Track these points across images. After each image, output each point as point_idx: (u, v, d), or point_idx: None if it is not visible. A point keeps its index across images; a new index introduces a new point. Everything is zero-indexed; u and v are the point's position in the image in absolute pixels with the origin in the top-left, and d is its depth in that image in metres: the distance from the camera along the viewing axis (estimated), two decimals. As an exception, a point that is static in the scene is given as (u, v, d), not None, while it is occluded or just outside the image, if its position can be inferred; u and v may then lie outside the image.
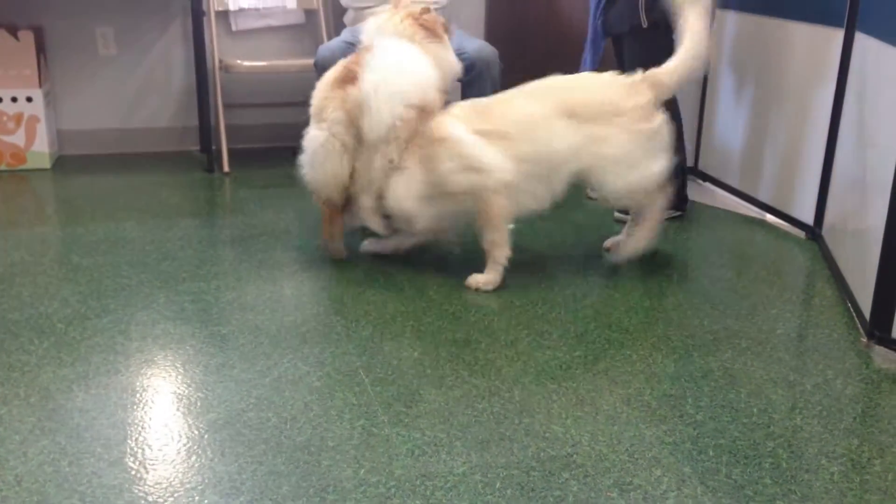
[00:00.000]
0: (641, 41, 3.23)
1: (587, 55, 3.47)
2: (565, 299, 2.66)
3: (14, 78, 3.96)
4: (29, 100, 3.99)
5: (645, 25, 3.16)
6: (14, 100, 3.97)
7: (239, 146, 4.40)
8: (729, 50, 3.69)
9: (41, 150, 4.06)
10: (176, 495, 1.66)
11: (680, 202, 3.42)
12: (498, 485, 1.71)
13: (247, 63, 4.21)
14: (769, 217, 3.52)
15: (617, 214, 3.45)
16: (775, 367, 2.25)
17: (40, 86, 4.00)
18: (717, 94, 3.85)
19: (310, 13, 4.50)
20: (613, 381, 2.16)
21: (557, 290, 2.74)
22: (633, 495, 1.69)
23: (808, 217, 3.27)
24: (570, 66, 4.20)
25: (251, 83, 4.49)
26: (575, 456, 1.82)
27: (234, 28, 4.47)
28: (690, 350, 2.34)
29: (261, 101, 4.54)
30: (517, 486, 1.71)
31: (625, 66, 3.16)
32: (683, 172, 3.48)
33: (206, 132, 4.30)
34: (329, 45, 3.94)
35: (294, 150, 2.96)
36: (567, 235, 3.26)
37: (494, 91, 3.90)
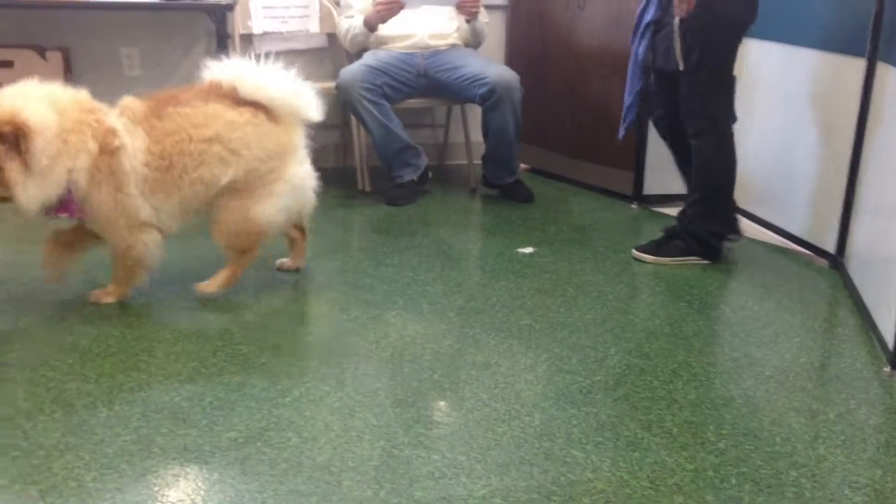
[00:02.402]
0: (686, 80, 3.07)
1: (628, 86, 3.35)
2: (585, 324, 2.65)
3: (41, 97, 4.01)
4: (55, 119, 4.03)
5: (681, 68, 3.03)
6: (40, 118, 4.02)
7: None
8: (751, 78, 3.70)
9: (66, 168, 4.11)
10: (197, 513, 1.66)
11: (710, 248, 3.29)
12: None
13: (270, 85, 4.25)
14: (791, 245, 3.51)
15: (634, 252, 3.44)
16: (798, 395, 2.24)
17: (67, 105, 4.05)
18: (739, 123, 3.86)
19: (332, 37, 4.54)
20: (634, 406, 2.15)
21: (577, 314, 2.73)
22: (654, 522, 1.68)
23: (830, 245, 3.26)
24: (595, 92, 4.23)
25: (274, 105, 4.53)
26: (595, 481, 1.81)
27: (256, 50, 4.52)
28: (712, 377, 2.33)
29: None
30: (538, 511, 1.70)
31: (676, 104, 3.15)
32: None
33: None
34: (351, 69, 3.98)
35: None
36: (587, 261, 3.26)
37: (515, 116, 3.94)
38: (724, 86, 3.08)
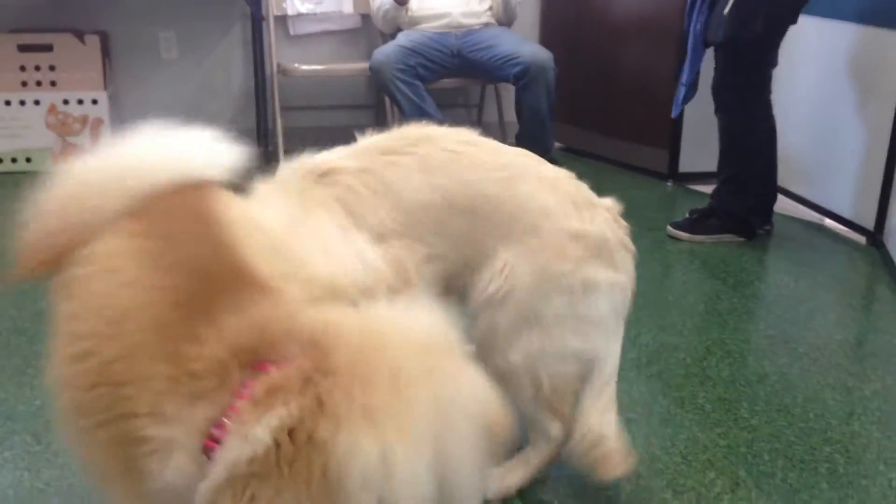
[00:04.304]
0: (728, 56, 3.04)
1: (688, 63, 3.25)
2: (619, 302, 2.65)
3: (80, 81, 4.08)
4: (94, 102, 4.10)
5: (720, 40, 2.98)
6: (80, 102, 4.09)
7: (295, 148, 4.47)
8: (790, 53, 3.65)
9: (105, 151, 4.18)
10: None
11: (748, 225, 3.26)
12: (550, 484, 1.72)
13: (304, 67, 4.28)
14: (828, 222, 3.47)
15: (669, 229, 3.42)
16: (833, 372, 2.22)
17: (105, 88, 4.12)
18: (775, 98, 3.81)
19: (366, 17, 4.55)
20: (667, 383, 2.15)
21: (611, 292, 2.73)
22: (686, 497, 1.69)
23: (869, 222, 3.22)
24: (629, 69, 4.20)
25: (308, 86, 4.57)
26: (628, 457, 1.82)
27: (291, 32, 4.55)
28: (745, 354, 2.32)
29: (317, 104, 4.61)
30: (570, 486, 1.72)
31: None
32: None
33: (263, 134, 4.39)
34: (384, 49, 3.99)
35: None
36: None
37: (549, 95, 3.93)
38: (764, 65, 3.03)
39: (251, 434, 0.94)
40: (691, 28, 3.17)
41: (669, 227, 3.29)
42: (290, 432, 0.94)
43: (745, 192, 3.19)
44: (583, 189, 1.61)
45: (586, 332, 1.52)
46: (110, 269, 1.06)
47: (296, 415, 0.95)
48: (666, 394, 2.10)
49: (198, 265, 1.06)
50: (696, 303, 2.67)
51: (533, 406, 1.57)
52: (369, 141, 1.69)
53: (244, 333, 1.01)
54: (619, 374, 2.17)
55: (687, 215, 3.42)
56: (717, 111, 3.14)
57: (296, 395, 0.96)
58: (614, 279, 1.51)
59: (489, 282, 1.49)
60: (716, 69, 3.09)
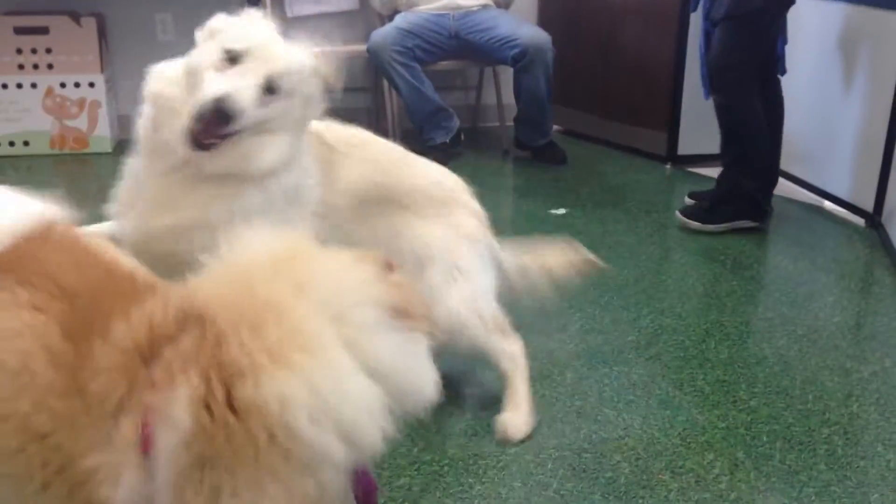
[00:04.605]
0: (731, 32, 2.96)
1: (702, 40, 3.21)
2: (618, 285, 2.65)
3: (77, 64, 4.06)
4: (91, 85, 4.08)
5: (721, 16, 2.94)
6: (77, 85, 4.07)
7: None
8: (790, 34, 3.64)
9: (103, 134, 4.16)
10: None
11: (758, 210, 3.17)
12: (549, 465, 1.73)
13: (302, 49, 4.26)
14: (827, 204, 3.47)
15: (688, 200, 3.41)
16: (831, 354, 2.23)
17: (102, 71, 4.10)
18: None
19: (364, -1, 4.53)
20: (666, 366, 2.16)
21: (610, 275, 2.73)
22: (685, 478, 1.70)
23: (868, 204, 3.21)
24: (628, 51, 4.18)
25: (306, 69, 4.54)
26: (627, 439, 1.83)
27: (289, 14, 4.52)
28: (744, 336, 2.32)
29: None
30: (568, 467, 1.73)
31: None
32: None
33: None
34: (382, 31, 3.98)
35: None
36: (619, 222, 3.25)
37: (547, 77, 3.91)
38: (767, 37, 2.96)
39: (170, 417, 0.97)
40: (702, 10, 3.13)
41: (679, 216, 3.15)
42: (207, 406, 0.96)
43: (754, 169, 3.10)
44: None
45: (486, 269, 1.92)
46: (3, 325, 1.02)
47: (198, 381, 0.97)
48: (665, 376, 2.10)
49: (72, 291, 1.05)
50: (695, 285, 2.68)
51: (488, 338, 1.88)
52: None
53: (134, 332, 1.02)
54: (617, 357, 2.18)
55: (687, 198, 3.42)
56: (716, 91, 3.07)
57: (192, 364, 0.99)
58: (482, 230, 1.94)
59: (411, 250, 1.83)
60: (717, 47, 3.02)
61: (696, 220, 3.12)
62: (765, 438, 1.84)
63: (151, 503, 0.98)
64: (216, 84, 1.59)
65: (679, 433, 1.86)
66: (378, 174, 1.85)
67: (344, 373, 1.01)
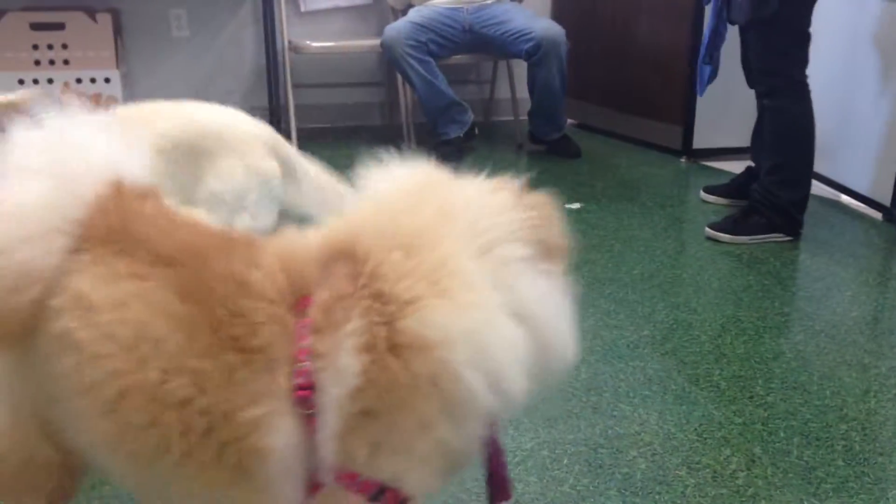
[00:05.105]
0: (764, 36, 2.85)
1: (705, 40, 3.13)
2: (633, 279, 2.65)
3: (93, 59, 4.08)
4: (107, 80, 4.10)
5: (742, 22, 2.86)
6: (93, 81, 4.09)
7: (307, 125, 4.46)
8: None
9: (118, 129, 4.18)
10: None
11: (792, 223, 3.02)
12: (565, 461, 1.73)
13: (315, 44, 4.26)
14: (844, 198, 3.45)
15: (703, 195, 3.40)
16: (849, 349, 2.21)
17: (117, 67, 4.11)
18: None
19: (377, -7, 4.53)
20: (682, 361, 2.15)
21: (625, 269, 2.72)
22: (701, 474, 1.69)
23: (885, 198, 3.19)
24: (642, 44, 4.16)
25: (319, 63, 4.55)
26: (643, 434, 1.82)
27: (302, 9, 4.53)
28: (761, 332, 2.31)
29: (329, 80, 4.59)
30: (584, 463, 1.72)
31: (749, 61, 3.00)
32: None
33: (275, 112, 4.38)
34: (395, 26, 3.97)
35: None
36: (634, 216, 3.24)
37: (561, 71, 3.90)
38: (800, 39, 2.84)
39: (336, 365, 0.92)
40: (712, 7, 3.05)
41: (708, 230, 3.01)
42: (372, 349, 0.92)
43: (799, 182, 2.96)
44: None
45: (270, 209, 2.01)
46: (107, 299, 0.96)
47: (361, 322, 0.93)
48: (681, 371, 2.09)
49: (169, 255, 0.99)
50: (711, 280, 2.67)
51: None
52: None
53: (274, 282, 0.97)
54: (632, 352, 2.18)
55: (702, 192, 3.40)
56: (763, 95, 2.96)
57: (350, 303, 0.94)
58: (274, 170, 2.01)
59: (207, 193, 1.94)
60: (754, 52, 2.92)
61: (726, 233, 2.97)
62: (782, 434, 1.83)
63: (311, 456, 0.95)
64: None
65: (695, 428, 1.85)
66: (175, 129, 1.94)
67: (496, 313, 0.95)
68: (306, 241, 1.03)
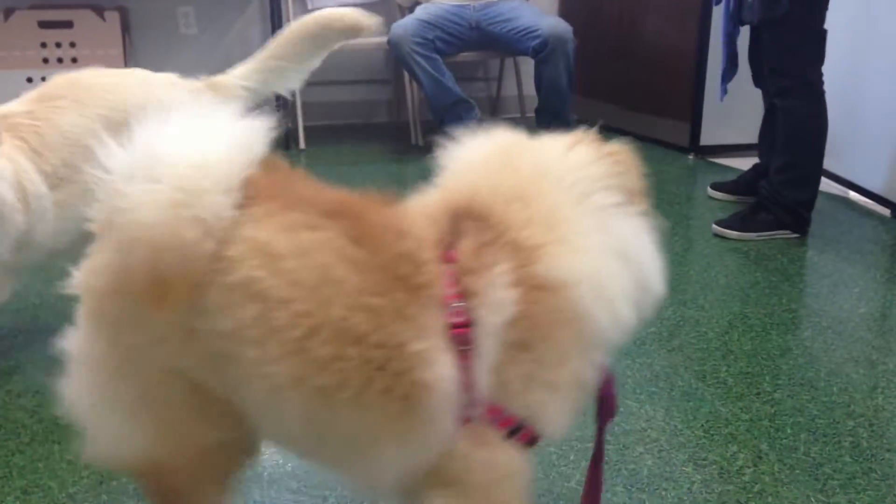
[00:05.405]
0: (773, 35, 2.84)
1: (723, 38, 3.11)
2: (640, 276, 2.64)
3: (101, 58, 4.09)
4: (114, 79, 4.11)
5: (754, 22, 2.84)
6: (100, 79, 4.10)
7: (315, 123, 4.47)
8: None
9: (126, 127, 4.20)
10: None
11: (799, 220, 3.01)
12: (572, 457, 1.73)
13: (322, 41, 4.26)
14: (852, 194, 3.44)
15: (710, 191, 3.39)
16: (857, 346, 2.21)
17: (125, 64, 4.13)
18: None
19: (384, -9, 4.53)
20: (689, 357, 2.15)
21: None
22: (708, 470, 1.69)
23: (894, 195, 3.18)
24: (650, 41, 4.15)
25: (326, 60, 4.54)
26: (650, 431, 1.83)
27: (310, 7, 4.53)
28: (768, 328, 2.31)
29: (336, 78, 4.60)
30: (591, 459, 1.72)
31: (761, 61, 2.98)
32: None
33: (282, 109, 4.38)
34: (402, 23, 3.98)
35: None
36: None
37: (568, 68, 3.90)
38: (814, 38, 2.81)
39: (493, 300, 1.04)
40: (724, 8, 3.04)
41: (715, 226, 3.02)
42: (519, 283, 1.05)
43: (807, 183, 2.96)
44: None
45: None
46: (289, 247, 1.02)
47: (508, 264, 1.05)
48: (687, 367, 2.09)
49: (332, 209, 1.08)
50: (718, 276, 2.66)
51: None
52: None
53: (429, 229, 1.09)
54: (639, 349, 2.18)
55: (710, 189, 3.40)
56: (776, 95, 2.93)
57: (494, 248, 1.07)
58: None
59: None
60: (767, 51, 2.90)
61: (734, 230, 2.98)
62: (789, 430, 1.83)
63: (465, 390, 1.03)
64: None
65: (702, 425, 1.85)
66: None
67: (605, 254, 1.09)
68: (426, 204, 1.16)
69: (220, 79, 2.20)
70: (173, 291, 0.99)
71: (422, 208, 1.14)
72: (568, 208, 1.10)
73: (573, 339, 1.06)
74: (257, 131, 1.08)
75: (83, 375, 1.09)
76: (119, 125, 1.86)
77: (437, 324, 1.03)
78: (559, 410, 1.09)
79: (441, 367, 1.02)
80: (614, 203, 1.13)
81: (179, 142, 1.03)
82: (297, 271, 1.01)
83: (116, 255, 1.00)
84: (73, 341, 1.10)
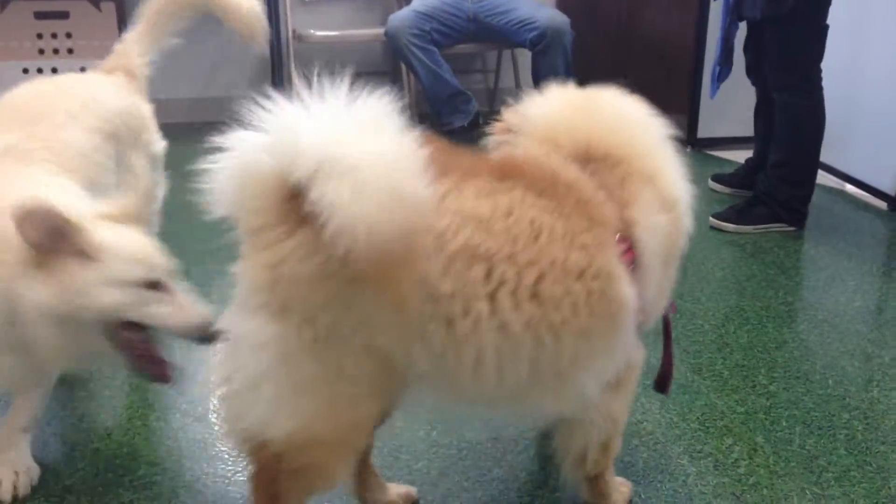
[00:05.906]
0: (776, 31, 2.82)
1: (720, 34, 3.10)
2: (636, 269, 2.64)
3: (97, 49, 4.06)
4: (111, 70, 4.10)
5: (756, 18, 2.83)
6: (97, 70, 4.09)
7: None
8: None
9: (122, 119, 4.19)
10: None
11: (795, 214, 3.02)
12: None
13: (319, 33, 4.26)
14: (849, 187, 3.44)
15: (712, 184, 3.40)
16: (852, 339, 2.21)
17: (121, 56, 4.11)
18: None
19: (382, -18, 4.52)
20: (685, 350, 2.15)
21: (628, 259, 2.72)
22: (703, 463, 1.70)
23: (889, 188, 3.19)
24: (648, 34, 4.15)
25: (323, 52, 4.54)
26: (645, 423, 1.83)
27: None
28: (764, 321, 2.31)
29: (332, 70, 4.58)
30: (587, 451, 1.72)
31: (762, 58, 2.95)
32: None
33: (279, 101, 4.38)
34: (399, 15, 3.97)
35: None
36: (638, 205, 3.23)
37: (566, 60, 3.89)
38: (816, 35, 2.80)
39: (651, 225, 1.28)
40: (723, 6, 3.02)
41: (712, 219, 3.03)
42: (662, 209, 1.31)
43: (803, 179, 2.96)
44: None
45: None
46: (494, 210, 1.14)
47: (648, 195, 1.29)
48: (684, 360, 2.10)
49: (504, 169, 1.22)
50: (714, 269, 2.67)
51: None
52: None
53: (583, 177, 1.27)
54: (636, 341, 2.18)
55: (710, 181, 3.40)
56: (777, 90, 2.92)
57: (633, 181, 1.30)
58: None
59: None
60: (769, 48, 2.87)
61: (730, 223, 2.98)
62: (784, 423, 1.84)
63: (639, 298, 1.26)
64: None
65: (698, 417, 1.86)
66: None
67: (684, 179, 1.38)
68: (548, 155, 1.30)
69: (123, 62, 2.23)
70: (403, 270, 1.04)
71: (545, 158, 1.29)
72: (653, 143, 1.36)
73: (680, 250, 1.36)
74: (396, 112, 1.17)
75: (250, 356, 1.11)
76: (111, 136, 1.88)
77: (619, 250, 1.23)
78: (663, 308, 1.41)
79: (628, 287, 1.23)
80: (668, 140, 1.39)
81: (362, 136, 1.10)
82: (511, 229, 1.14)
83: (330, 245, 1.00)
84: (240, 324, 1.13)
